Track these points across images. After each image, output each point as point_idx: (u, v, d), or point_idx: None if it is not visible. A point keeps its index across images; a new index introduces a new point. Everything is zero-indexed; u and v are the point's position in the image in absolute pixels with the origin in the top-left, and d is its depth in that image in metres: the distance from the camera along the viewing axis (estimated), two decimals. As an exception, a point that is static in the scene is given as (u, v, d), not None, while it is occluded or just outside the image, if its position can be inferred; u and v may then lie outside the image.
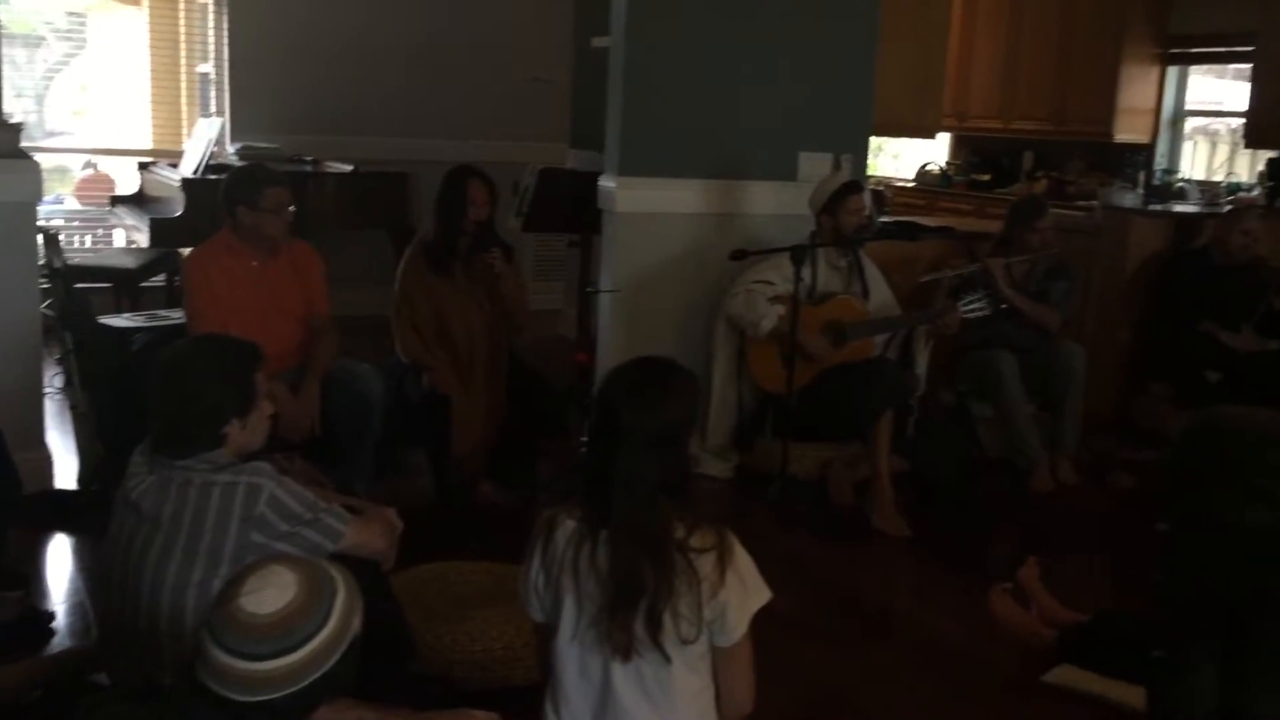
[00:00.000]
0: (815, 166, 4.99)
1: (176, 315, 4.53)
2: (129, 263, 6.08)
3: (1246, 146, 7.14)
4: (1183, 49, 7.66)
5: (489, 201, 4.20)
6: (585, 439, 4.58)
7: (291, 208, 3.84)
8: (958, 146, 9.32)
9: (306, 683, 1.72)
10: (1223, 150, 7.88)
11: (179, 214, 5.71)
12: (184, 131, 7.17)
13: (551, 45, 7.40)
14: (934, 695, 3.10)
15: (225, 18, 6.96)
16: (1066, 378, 4.85)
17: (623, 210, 4.75)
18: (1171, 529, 1.04)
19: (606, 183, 4.83)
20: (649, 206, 4.77)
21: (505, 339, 4.27)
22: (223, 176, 4.07)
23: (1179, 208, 6.61)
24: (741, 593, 2.02)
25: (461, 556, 3.38)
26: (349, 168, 6.29)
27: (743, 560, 2.05)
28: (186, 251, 4.81)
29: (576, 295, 5.45)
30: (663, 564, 1.98)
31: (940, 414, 4.98)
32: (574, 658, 2.08)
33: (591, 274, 5.13)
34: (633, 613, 1.98)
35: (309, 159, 6.52)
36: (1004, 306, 4.67)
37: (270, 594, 1.72)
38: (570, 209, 5.00)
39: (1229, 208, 5.89)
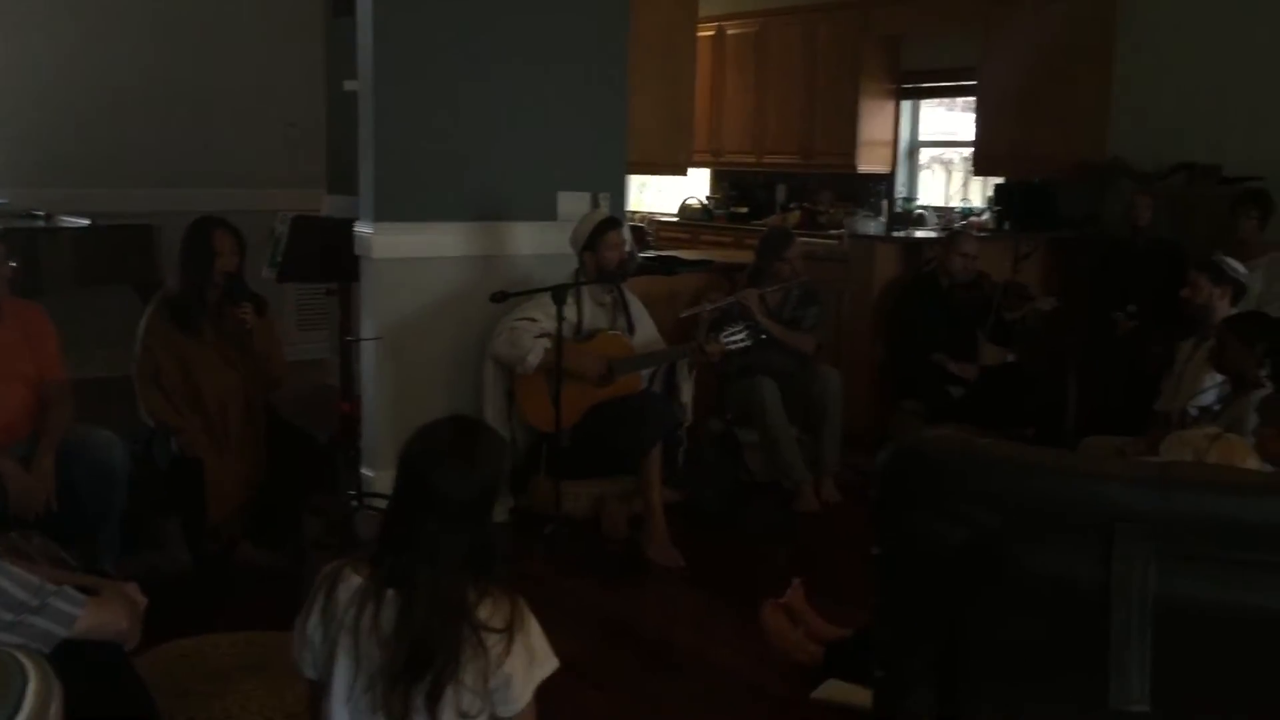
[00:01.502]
0: (574, 205, 5.05)
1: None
2: None
3: (975, 174, 7.65)
4: (914, 84, 8.17)
5: (237, 252, 4.05)
6: (353, 493, 4.49)
7: (13, 263, 3.59)
8: (717, 181, 9.62)
9: None
10: (957, 178, 8.43)
11: (-110, 278, 5.23)
12: (-104, 188, 6.60)
13: (305, 89, 7.21)
14: (711, 724, 3.15)
15: (-60, 65, 6.47)
16: (824, 400, 5.06)
17: (380, 256, 4.66)
18: (882, 552, 1.08)
19: (363, 229, 4.73)
20: (408, 251, 4.70)
21: (261, 395, 4.11)
22: (-64, 236, 3.77)
23: (919, 233, 7.03)
24: (527, 663, 1.97)
25: (221, 627, 3.21)
26: (85, 222, 5.93)
27: (533, 629, 2.00)
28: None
29: (340, 344, 5.30)
30: (454, 636, 1.92)
31: (709, 443, 5.09)
32: (345, 720, 1.99)
33: (353, 322, 5.00)
34: (416, 682, 1.91)
35: (40, 214, 6.10)
36: (763, 335, 4.83)
37: None
38: (326, 257, 4.86)
39: (954, 232, 6.28)
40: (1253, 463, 2.99)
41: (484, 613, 1.94)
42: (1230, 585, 1.02)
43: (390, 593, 1.94)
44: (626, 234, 4.81)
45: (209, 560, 3.95)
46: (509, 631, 1.94)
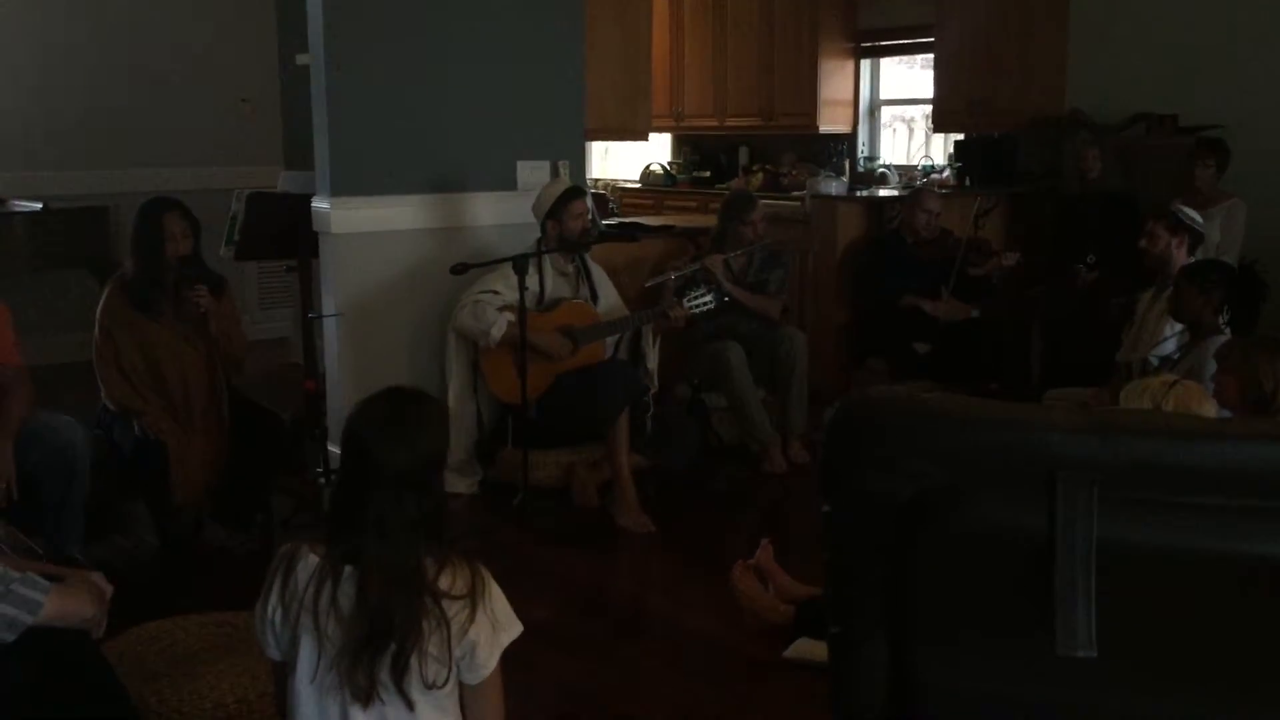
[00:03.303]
0: (534, 175, 5.02)
1: None
2: None
3: (935, 131, 7.66)
4: (872, 42, 8.15)
5: (189, 235, 3.99)
6: (320, 470, 4.47)
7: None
8: (678, 146, 9.60)
9: None
10: (918, 135, 8.43)
11: None
12: None
13: (258, 64, 7.13)
14: (685, 688, 3.16)
15: (-118, 49, 6.35)
16: (790, 362, 5.07)
17: (339, 231, 4.62)
18: (831, 509, 1.09)
19: (320, 204, 4.69)
20: (367, 226, 4.67)
21: (223, 376, 4.07)
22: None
23: (882, 192, 7.04)
24: (491, 630, 1.97)
25: (190, 609, 3.20)
26: (38, 205, 5.85)
27: (495, 596, 2.00)
28: None
29: (302, 322, 5.26)
30: (413, 606, 1.91)
31: (676, 408, 5.10)
32: (312, 700, 1.99)
33: (314, 299, 4.97)
34: (379, 656, 1.91)
35: (-8, 199, 6.03)
36: (727, 299, 4.84)
37: None
38: (283, 234, 4.81)
39: (917, 189, 6.30)
40: (1209, 408, 3.03)
41: (444, 582, 1.94)
42: (1171, 529, 1.03)
43: (347, 569, 1.93)
44: (589, 202, 4.79)
45: (176, 542, 3.93)
46: (471, 599, 1.94)
